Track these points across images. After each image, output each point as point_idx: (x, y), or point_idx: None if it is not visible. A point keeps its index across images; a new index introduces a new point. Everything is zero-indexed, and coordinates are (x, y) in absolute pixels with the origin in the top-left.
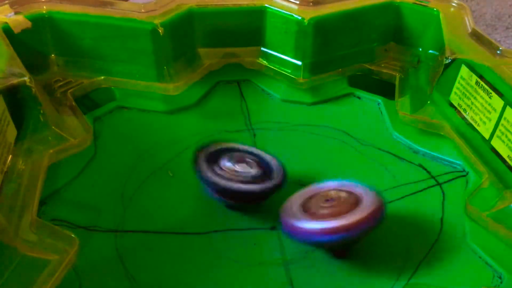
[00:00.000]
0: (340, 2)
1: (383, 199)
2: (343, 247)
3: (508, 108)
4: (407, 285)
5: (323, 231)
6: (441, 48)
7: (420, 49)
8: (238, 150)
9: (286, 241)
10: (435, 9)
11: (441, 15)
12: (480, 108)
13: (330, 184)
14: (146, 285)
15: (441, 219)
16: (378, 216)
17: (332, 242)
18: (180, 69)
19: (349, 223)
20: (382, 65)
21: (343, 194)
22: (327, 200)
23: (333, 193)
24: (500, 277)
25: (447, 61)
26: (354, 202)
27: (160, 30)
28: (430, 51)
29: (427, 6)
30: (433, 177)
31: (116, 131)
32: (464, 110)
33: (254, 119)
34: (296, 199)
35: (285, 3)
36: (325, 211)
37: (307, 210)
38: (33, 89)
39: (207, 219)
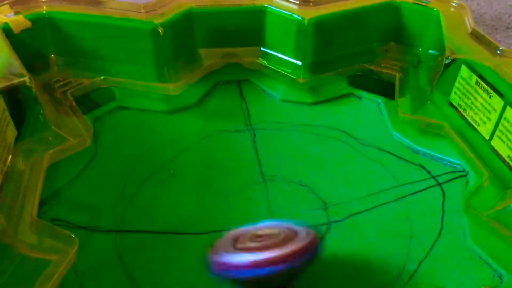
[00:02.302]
0: (340, 2)
1: (318, 234)
2: (278, 286)
3: (508, 108)
4: (407, 285)
5: (255, 263)
6: (441, 48)
7: (420, 49)
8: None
9: None
10: (435, 9)
11: (441, 15)
12: (480, 108)
13: (260, 225)
14: (146, 285)
15: (441, 219)
16: (314, 248)
17: (266, 275)
18: (180, 69)
19: (285, 253)
20: (382, 65)
21: (275, 231)
22: (259, 236)
23: (266, 230)
24: (500, 277)
25: (447, 61)
26: (289, 236)
27: (160, 30)
28: (430, 51)
29: (427, 6)
30: (433, 177)
31: (116, 131)
32: (464, 110)
33: (254, 119)
34: (224, 240)
35: (285, 3)
36: (257, 244)
37: (237, 247)
38: (33, 89)
39: (207, 219)
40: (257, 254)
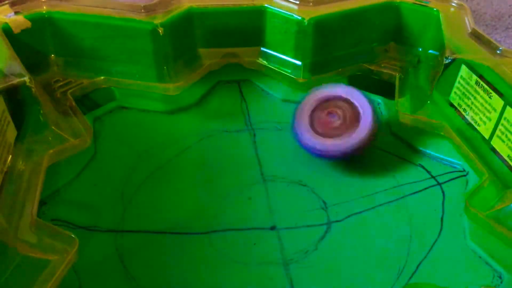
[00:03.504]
0: (340, 2)
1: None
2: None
3: (508, 108)
4: (407, 285)
5: (324, 150)
6: (441, 48)
7: (420, 49)
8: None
9: (286, 241)
10: (435, 9)
11: (441, 15)
12: (480, 108)
13: (337, 90)
14: (146, 285)
15: (441, 219)
16: (375, 129)
17: (332, 157)
18: (180, 69)
19: (347, 145)
20: (382, 65)
21: (346, 108)
22: (330, 114)
23: (340, 104)
24: (500, 277)
25: (447, 61)
26: (354, 118)
27: (160, 30)
28: (430, 51)
29: (427, 6)
30: (433, 177)
31: (116, 131)
32: (464, 110)
33: (254, 119)
34: (307, 106)
35: (285, 3)
36: (330, 128)
37: (315, 121)
38: (33, 89)
39: (207, 219)
40: (333, 141)
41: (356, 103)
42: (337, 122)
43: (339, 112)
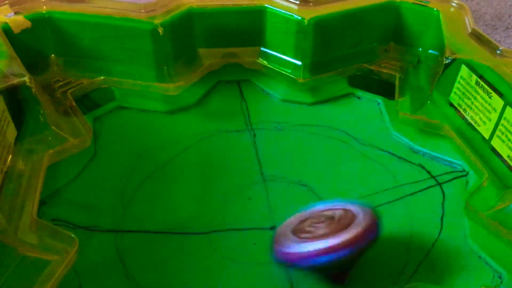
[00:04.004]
0: (340, 2)
1: (377, 214)
2: (341, 270)
3: (508, 108)
4: (407, 285)
5: (317, 252)
6: (441, 48)
7: (420, 49)
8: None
9: None
10: (435, 9)
11: (441, 15)
12: (480, 108)
13: (320, 206)
14: (146, 285)
15: (441, 219)
16: (374, 231)
17: (325, 263)
18: (180, 69)
19: (345, 240)
20: (382, 65)
21: (338, 212)
22: (318, 222)
23: (327, 213)
24: (500, 277)
25: (447, 61)
26: (350, 219)
27: (160, 30)
28: (430, 51)
29: (427, 6)
30: (433, 177)
31: (116, 131)
32: (464, 110)
33: (254, 119)
34: (286, 227)
35: (285, 3)
36: (320, 231)
37: (301, 232)
38: (33, 89)
39: (207, 219)
40: (323, 241)
41: (351, 208)
42: (322, 226)
43: (324, 216)
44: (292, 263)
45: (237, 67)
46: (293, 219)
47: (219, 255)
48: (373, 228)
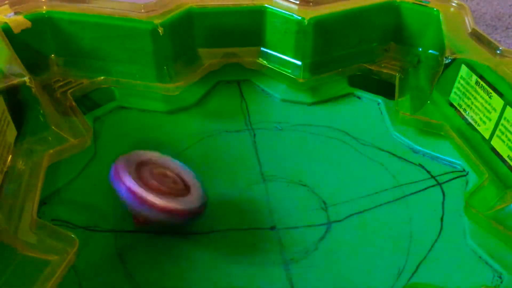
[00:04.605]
0: (340, 2)
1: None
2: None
3: (508, 108)
4: (407, 285)
5: (146, 202)
6: (441, 48)
7: (420, 49)
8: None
9: (286, 241)
10: (435, 9)
11: (441, 15)
12: (480, 108)
13: (169, 163)
14: (146, 285)
15: (441, 219)
16: (193, 215)
17: (145, 213)
18: (180, 69)
19: (174, 207)
20: (382, 65)
21: (178, 179)
22: (165, 176)
23: (168, 172)
24: (500, 277)
25: (447, 61)
26: (182, 192)
27: (160, 30)
28: (430, 51)
29: (427, 6)
30: (433, 177)
31: (116, 131)
32: (464, 110)
33: (254, 119)
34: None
35: (285, 3)
36: (162, 188)
37: (142, 174)
38: (33, 89)
39: (207, 219)
40: (153, 197)
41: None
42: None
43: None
44: (120, 190)
45: (237, 67)
46: (135, 156)
47: (219, 255)
48: (189, 215)
